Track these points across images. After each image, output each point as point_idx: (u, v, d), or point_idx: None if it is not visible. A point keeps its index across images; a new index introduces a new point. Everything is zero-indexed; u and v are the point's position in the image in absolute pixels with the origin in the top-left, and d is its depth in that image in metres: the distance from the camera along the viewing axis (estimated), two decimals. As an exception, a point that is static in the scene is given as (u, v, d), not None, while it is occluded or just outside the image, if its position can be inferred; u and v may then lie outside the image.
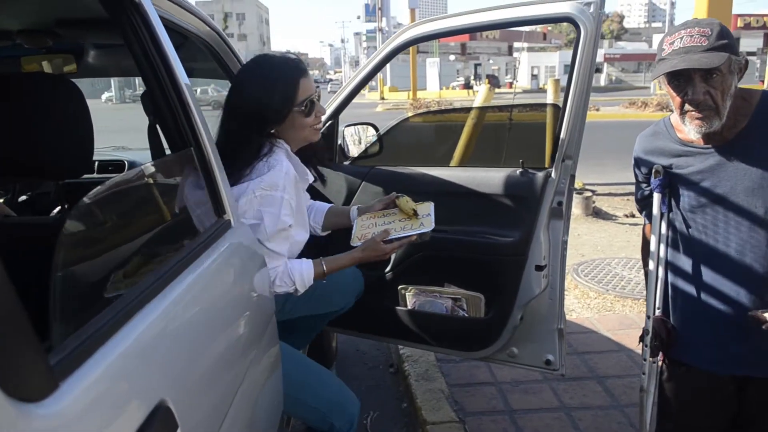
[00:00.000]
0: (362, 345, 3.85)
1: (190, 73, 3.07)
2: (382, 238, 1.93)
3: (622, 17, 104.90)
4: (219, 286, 1.33)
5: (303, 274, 1.90)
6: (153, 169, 1.35)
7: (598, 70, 56.41)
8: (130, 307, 0.94)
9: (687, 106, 1.71)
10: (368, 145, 2.66)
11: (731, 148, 1.76)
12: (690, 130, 1.74)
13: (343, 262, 1.99)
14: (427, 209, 2.07)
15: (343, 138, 2.74)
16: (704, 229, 1.84)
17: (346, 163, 2.73)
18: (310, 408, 1.96)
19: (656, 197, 1.95)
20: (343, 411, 1.97)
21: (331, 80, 73.25)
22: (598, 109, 22.51)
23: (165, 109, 1.46)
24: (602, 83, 54.28)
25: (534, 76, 51.55)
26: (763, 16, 44.21)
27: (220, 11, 78.28)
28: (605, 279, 4.67)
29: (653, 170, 1.92)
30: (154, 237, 1.23)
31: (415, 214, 2.03)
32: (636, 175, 2.03)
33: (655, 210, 1.96)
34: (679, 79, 1.69)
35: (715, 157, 1.78)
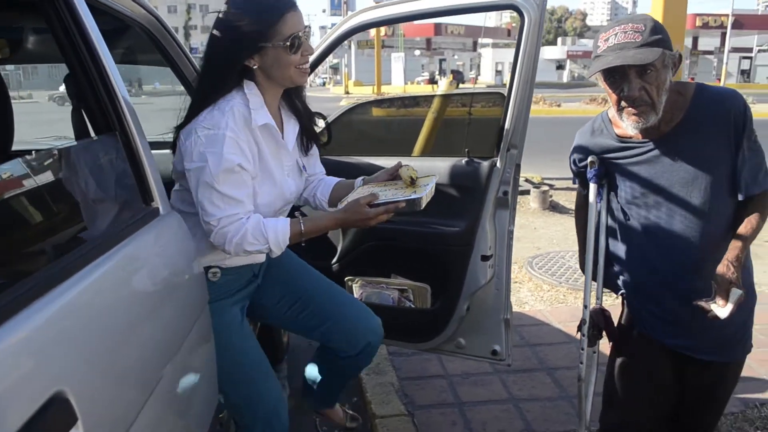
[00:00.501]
0: (315, 339, 3.80)
1: (130, 61, 2.99)
2: (368, 201, 1.77)
3: (585, 15, 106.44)
4: (139, 276, 1.28)
5: (278, 231, 1.75)
6: (65, 153, 1.29)
7: (561, 67, 57.17)
8: (27, 294, 0.89)
9: (623, 102, 1.72)
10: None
11: (667, 141, 1.78)
12: (627, 125, 1.76)
13: (324, 223, 1.86)
14: (427, 180, 1.91)
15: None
16: (646, 220, 1.86)
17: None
18: (243, 411, 1.92)
19: (592, 187, 1.97)
20: (276, 422, 1.92)
21: None
22: (559, 105, 22.77)
23: (89, 92, 1.41)
24: (564, 80, 55.01)
25: (498, 72, 51.95)
26: (720, 15, 45.21)
27: (182, 2, 76.89)
28: (559, 271, 4.71)
29: (589, 161, 1.94)
30: (63, 222, 1.17)
31: (413, 183, 1.88)
32: (572, 170, 2.05)
33: (591, 199, 1.98)
34: (614, 76, 1.71)
35: (653, 151, 1.80)
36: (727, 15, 43.55)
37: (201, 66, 1.85)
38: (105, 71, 1.42)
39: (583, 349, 2.04)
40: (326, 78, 54.25)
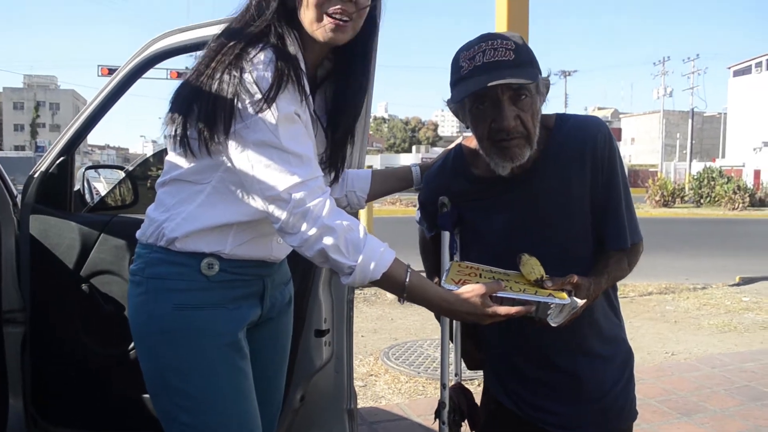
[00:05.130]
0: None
1: None
2: (492, 291, 1.30)
3: (436, 125, 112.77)
4: None
5: (377, 255, 1.27)
6: None
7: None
8: None
9: (496, 135, 1.39)
10: (111, 189, 2.12)
11: (524, 181, 1.48)
12: (497, 163, 1.43)
13: (430, 296, 1.33)
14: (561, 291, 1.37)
15: (83, 182, 2.18)
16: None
17: (84, 212, 2.17)
18: None
19: (445, 237, 1.63)
20: None
21: None
22: (415, 205, 23.41)
23: None
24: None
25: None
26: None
27: (31, 99, 72.67)
28: (417, 361, 4.34)
29: (439, 203, 1.62)
30: None
31: (541, 282, 1.36)
32: (420, 213, 1.73)
33: (445, 254, 1.63)
34: (483, 103, 1.39)
35: (509, 193, 1.50)
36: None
37: None
38: None
39: (443, 440, 1.65)
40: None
